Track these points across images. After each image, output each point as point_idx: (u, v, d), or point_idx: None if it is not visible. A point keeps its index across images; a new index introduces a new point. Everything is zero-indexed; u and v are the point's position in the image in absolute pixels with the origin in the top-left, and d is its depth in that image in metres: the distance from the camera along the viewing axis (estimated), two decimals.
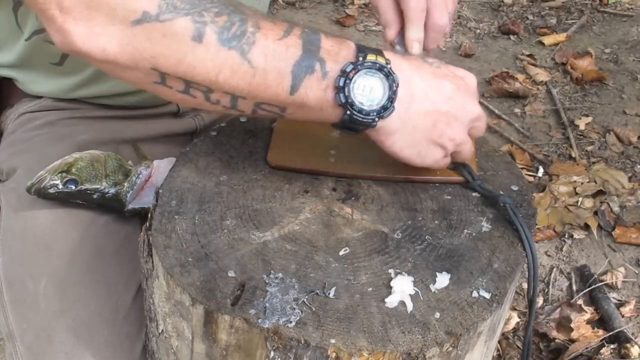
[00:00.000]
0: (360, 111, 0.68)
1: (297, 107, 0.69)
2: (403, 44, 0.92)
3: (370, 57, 0.68)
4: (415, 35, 0.89)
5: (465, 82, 0.78)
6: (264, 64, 0.65)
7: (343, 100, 0.67)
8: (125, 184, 0.92)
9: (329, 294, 0.67)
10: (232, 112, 0.71)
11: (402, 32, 0.92)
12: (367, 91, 0.68)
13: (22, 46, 0.95)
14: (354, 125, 0.70)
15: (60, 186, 0.89)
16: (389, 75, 0.69)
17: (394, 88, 0.69)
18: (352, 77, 0.67)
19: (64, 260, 0.91)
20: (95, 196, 0.91)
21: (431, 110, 0.73)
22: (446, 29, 0.92)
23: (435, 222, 0.77)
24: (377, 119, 0.69)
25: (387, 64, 0.69)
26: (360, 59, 0.68)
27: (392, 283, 0.69)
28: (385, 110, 0.69)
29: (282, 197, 0.79)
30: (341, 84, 0.67)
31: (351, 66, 0.67)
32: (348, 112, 0.68)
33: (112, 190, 0.91)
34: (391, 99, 0.69)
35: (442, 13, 0.89)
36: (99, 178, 0.90)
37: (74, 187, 0.90)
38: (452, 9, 0.93)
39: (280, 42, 0.66)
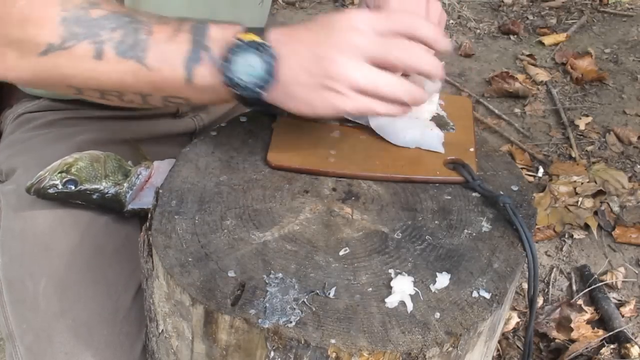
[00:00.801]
0: (245, 88, 0.72)
1: (197, 94, 0.76)
2: None
3: (247, 37, 0.72)
4: None
5: (338, 20, 0.74)
6: (159, 64, 0.72)
7: (227, 81, 0.72)
8: (125, 185, 0.92)
9: (329, 294, 0.67)
10: (147, 106, 0.80)
11: None
12: (248, 68, 0.72)
13: None
14: (246, 99, 0.74)
15: (60, 186, 0.89)
16: (265, 51, 0.72)
17: (271, 61, 0.72)
18: (231, 58, 0.72)
19: (64, 261, 0.91)
20: (94, 196, 0.91)
21: (310, 63, 0.72)
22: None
23: (435, 222, 0.77)
24: (262, 92, 0.73)
25: (263, 41, 0.72)
26: (239, 40, 0.72)
27: (392, 283, 0.69)
28: (267, 83, 0.72)
29: (282, 197, 0.79)
30: (223, 67, 0.72)
31: (229, 50, 0.72)
32: (235, 90, 0.73)
33: (112, 191, 0.91)
34: (270, 72, 0.72)
35: None
36: (99, 178, 0.90)
37: (73, 188, 0.90)
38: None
39: (170, 41, 0.73)
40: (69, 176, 0.89)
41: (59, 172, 0.89)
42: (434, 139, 0.86)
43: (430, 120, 0.90)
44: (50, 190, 0.90)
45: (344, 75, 0.72)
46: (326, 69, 0.72)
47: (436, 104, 0.92)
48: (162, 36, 0.73)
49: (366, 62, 0.73)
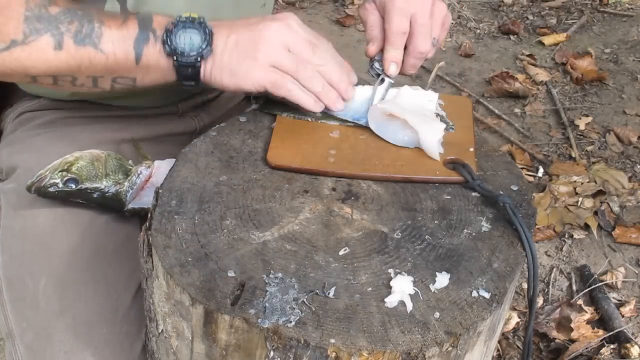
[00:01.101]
0: (182, 53, 0.81)
1: (144, 73, 0.84)
2: (382, 62, 0.93)
3: (185, 15, 0.82)
4: (392, 56, 0.92)
5: (278, 14, 0.86)
6: (113, 48, 0.81)
7: (168, 50, 0.81)
8: (126, 184, 0.92)
9: (328, 293, 0.67)
10: (95, 89, 0.87)
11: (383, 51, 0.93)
12: (187, 38, 0.81)
13: None
14: (185, 70, 0.82)
15: (61, 185, 0.89)
16: (202, 24, 0.82)
17: (208, 32, 0.82)
18: (173, 30, 0.81)
19: (64, 260, 0.91)
20: (95, 195, 0.91)
21: (236, 40, 0.83)
22: (428, 54, 0.93)
23: (435, 222, 0.77)
24: (199, 59, 0.82)
25: (200, 18, 0.82)
26: (178, 17, 0.82)
27: (391, 283, 0.69)
28: (203, 50, 0.82)
29: (282, 197, 0.79)
30: (165, 37, 0.81)
31: (171, 24, 0.82)
32: (175, 58, 0.81)
33: (113, 190, 0.91)
34: (207, 40, 0.82)
35: (424, 39, 0.91)
36: (99, 177, 0.90)
37: (74, 186, 0.90)
38: (438, 34, 0.93)
39: (121, 27, 0.81)
40: (69, 175, 0.89)
41: (60, 171, 0.89)
42: (432, 140, 0.85)
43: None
44: (51, 189, 0.90)
45: (272, 51, 0.82)
46: (257, 43, 0.82)
47: (435, 103, 0.92)
48: (113, 24, 0.81)
49: (288, 50, 0.83)
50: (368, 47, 0.95)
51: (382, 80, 0.93)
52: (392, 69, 0.92)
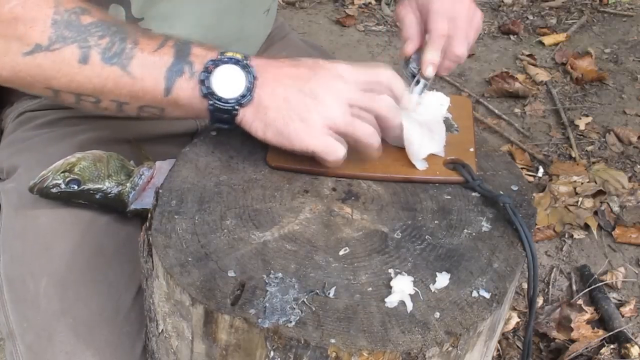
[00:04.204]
0: (220, 99, 0.75)
1: (172, 106, 0.78)
2: (418, 62, 0.93)
3: (228, 54, 0.76)
4: (432, 58, 0.91)
5: (328, 66, 0.79)
6: (142, 73, 0.75)
7: (205, 91, 0.75)
8: (128, 185, 0.92)
9: (328, 293, 0.67)
10: (120, 114, 0.81)
11: (419, 51, 0.93)
12: (227, 82, 0.75)
13: None
14: (220, 114, 0.77)
15: (63, 186, 0.90)
16: (246, 67, 0.76)
17: (251, 79, 0.76)
18: (212, 70, 0.75)
19: (65, 260, 0.91)
20: (97, 196, 0.91)
21: (284, 96, 0.76)
22: (462, 59, 0.93)
23: (435, 222, 0.77)
24: (237, 106, 0.76)
25: (244, 59, 0.76)
26: (220, 56, 0.76)
27: (392, 283, 0.69)
28: (243, 98, 0.75)
29: (282, 197, 0.79)
30: (203, 77, 0.75)
31: (211, 62, 0.76)
32: (211, 102, 0.75)
33: (115, 191, 0.91)
34: (249, 89, 0.75)
35: (461, 43, 0.92)
36: (102, 178, 0.91)
37: (76, 187, 0.90)
38: (472, 39, 0.94)
39: (155, 53, 0.75)
40: (71, 176, 0.89)
41: (62, 172, 0.90)
42: (416, 155, 0.84)
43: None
44: (53, 190, 0.90)
45: (326, 113, 0.76)
46: (308, 103, 0.75)
47: (446, 108, 0.92)
48: (147, 47, 0.75)
49: (347, 106, 0.77)
50: (405, 46, 0.94)
51: (418, 82, 0.92)
52: (429, 71, 0.91)
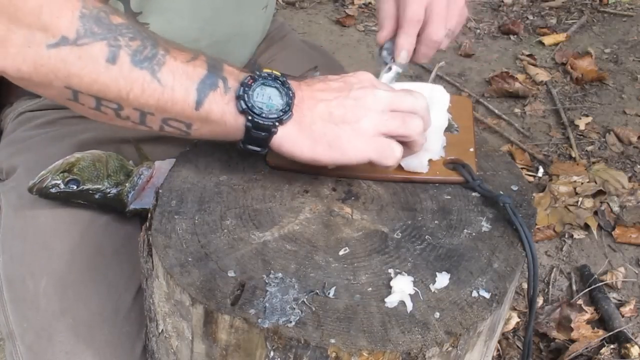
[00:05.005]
0: (260, 114, 0.72)
1: (202, 122, 0.73)
2: (392, 50, 0.91)
3: (266, 70, 0.74)
4: (404, 42, 0.90)
5: (357, 77, 0.78)
6: (172, 82, 0.70)
7: (244, 106, 0.71)
8: (127, 185, 0.92)
9: (328, 293, 0.67)
10: (141, 127, 0.75)
11: (394, 38, 0.92)
12: (266, 99, 0.72)
13: None
14: (257, 133, 0.73)
15: (62, 186, 0.90)
16: (284, 84, 0.73)
17: (291, 95, 0.73)
18: (251, 85, 0.72)
19: (64, 260, 0.91)
20: (96, 196, 0.91)
21: (328, 110, 0.74)
22: (442, 45, 0.91)
23: (435, 222, 0.77)
24: (277, 124, 0.72)
25: (282, 76, 0.74)
26: (257, 73, 0.73)
27: (392, 283, 0.69)
28: (284, 114, 0.72)
29: (282, 197, 0.79)
30: (241, 92, 0.72)
31: (249, 78, 0.73)
32: (250, 117, 0.72)
33: (114, 191, 0.91)
34: (289, 105, 0.73)
35: (438, 28, 0.89)
36: (101, 178, 0.91)
37: (75, 187, 0.90)
38: (454, 26, 0.92)
39: (188, 63, 0.71)
40: (71, 176, 0.89)
41: (61, 172, 0.90)
42: (410, 163, 0.84)
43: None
44: (53, 190, 0.90)
45: (375, 118, 0.74)
46: (356, 112, 0.74)
47: (447, 105, 0.91)
48: (180, 57, 0.71)
49: (390, 109, 0.76)
50: (378, 33, 0.93)
51: (390, 69, 0.91)
52: (403, 56, 0.90)
